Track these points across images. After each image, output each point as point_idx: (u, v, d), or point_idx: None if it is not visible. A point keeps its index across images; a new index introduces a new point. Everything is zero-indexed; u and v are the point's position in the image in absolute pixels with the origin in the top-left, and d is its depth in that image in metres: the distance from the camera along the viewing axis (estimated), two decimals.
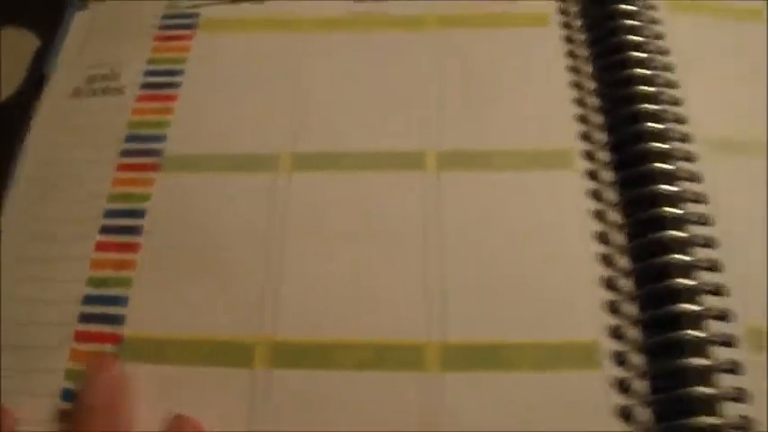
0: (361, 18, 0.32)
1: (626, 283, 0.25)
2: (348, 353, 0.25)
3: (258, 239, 0.27)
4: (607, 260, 0.26)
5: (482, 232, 0.26)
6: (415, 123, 0.29)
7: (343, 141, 0.29)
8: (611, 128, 0.28)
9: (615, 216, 0.26)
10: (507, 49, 0.30)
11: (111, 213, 0.28)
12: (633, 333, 0.24)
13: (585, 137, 0.28)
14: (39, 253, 0.27)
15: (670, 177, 0.26)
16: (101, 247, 0.27)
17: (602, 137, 0.28)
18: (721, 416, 0.23)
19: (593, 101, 0.29)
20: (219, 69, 0.30)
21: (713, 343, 0.24)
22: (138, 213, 0.28)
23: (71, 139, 0.30)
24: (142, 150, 0.29)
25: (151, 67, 0.31)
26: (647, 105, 0.27)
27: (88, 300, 0.26)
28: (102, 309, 0.26)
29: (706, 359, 0.24)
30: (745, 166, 0.27)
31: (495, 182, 0.27)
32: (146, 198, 0.28)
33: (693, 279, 0.25)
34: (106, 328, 0.26)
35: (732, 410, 0.23)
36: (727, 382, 0.23)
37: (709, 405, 0.23)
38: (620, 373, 0.24)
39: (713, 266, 0.25)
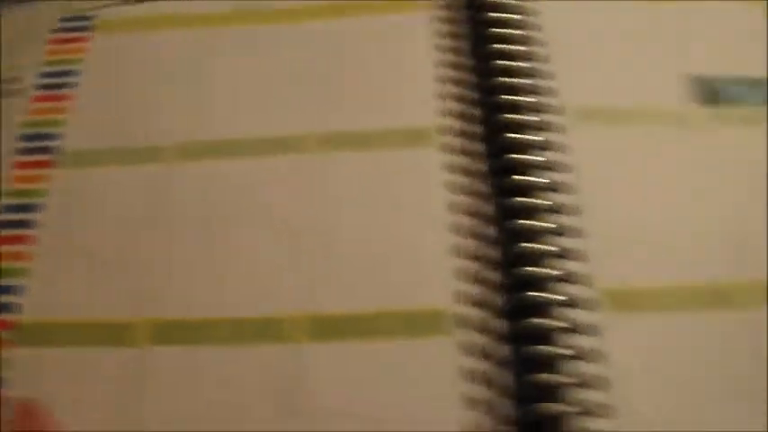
0: (248, 13, 0.33)
1: (484, 251, 0.26)
2: (219, 329, 0.26)
3: (148, 228, 0.28)
4: (465, 229, 0.26)
5: (354, 209, 0.27)
6: (297, 109, 0.30)
7: (232, 130, 0.30)
8: (476, 102, 0.29)
9: (477, 186, 0.27)
10: (382, 34, 0.31)
11: (8, 208, 0.29)
12: (489, 298, 0.25)
13: (452, 113, 0.29)
14: None
15: (528, 147, 0.27)
16: None
17: (468, 112, 0.29)
18: (566, 373, 0.24)
19: (463, 78, 0.29)
20: (115, 68, 0.32)
21: (567, 304, 0.25)
22: (34, 208, 0.29)
23: None
24: (38, 148, 0.30)
25: (48, 69, 0.32)
26: (506, 79, 0.28)
27: None
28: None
29: (559, 321, 0.24)
30: (610, 135, 0.28)
31: (369, 160, 0.28)
32: (42, 194, 0.29)
33: (552, 245, 0.26)
34: (2, 317, 0.27)
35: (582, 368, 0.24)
36: (580, 342, 0.24)
37: (557, 364, 0.24)
38: (474, 337, 0.25)
39: (570, 232, 0.26)
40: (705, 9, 0.32)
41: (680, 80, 0.30)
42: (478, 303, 0.25)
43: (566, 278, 0.25)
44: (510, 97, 0.28)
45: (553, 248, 0.26)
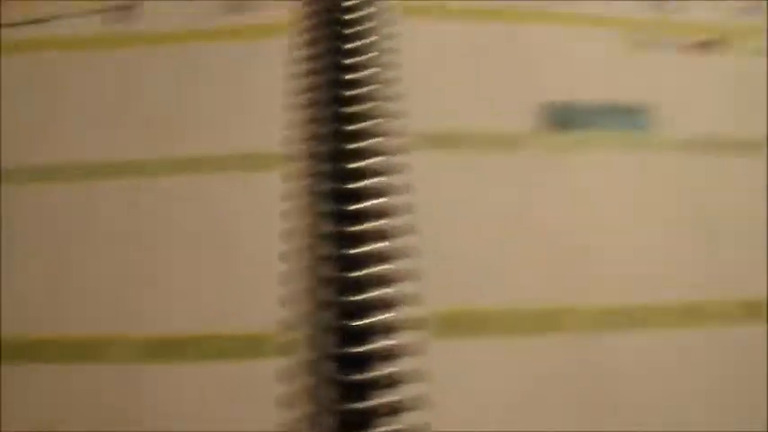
0: (114, 36, 0.33)
1: (317, 275, 0.26)
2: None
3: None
4: (299, 254, 0.26)
5: (189, 234, 0.27)
6: (144, 133, 0.30)
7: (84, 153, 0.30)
8: (320, 128, 0.29)
9: (313, 213, 0.27)
10: (236, 60, 0.31)
11: None
12: (319, 321, 0.25)
13: (297, 139, 0.29)
14: None
15: (368, 172, 0.28)
16: None
17: (313, 138, 0.29)
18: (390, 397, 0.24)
19: (312, 104, 0.30)
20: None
21: (398, 328, 0.25)
22: None
23: None
24: None
25: None
26: (351, 105, 0.29)
27: None
28: None
29: (388, 344, 0.25)
30: (454, 160, 0.29)
31: (208, 185, 0.28)
32: None
33: (386, 269, 0.26)
34: None
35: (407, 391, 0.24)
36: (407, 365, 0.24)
37: (384, 387, 0.24)
38: (301, 361, 0.25)
39: (403, 255, 0.26)
40: (560, 33, 0.33)
41: (531, 105, 0.31)
42: (308, 327, 0.25)
43: (397, 302, 0.25)
44: (352, 124, 0.28)
45: (387, 273, 0.26)
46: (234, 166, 0.29)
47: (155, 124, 0.30)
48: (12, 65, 0.32)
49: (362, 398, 0.24)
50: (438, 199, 0.28)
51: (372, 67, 0.30)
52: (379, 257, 0.26)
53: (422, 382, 0.24)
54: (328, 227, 0.27)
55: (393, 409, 0.24)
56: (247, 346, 0.25)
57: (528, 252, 0.27)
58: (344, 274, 0.26)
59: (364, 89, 0.29)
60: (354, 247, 0.26)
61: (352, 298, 0.25)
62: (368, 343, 0.25)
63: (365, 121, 0.29)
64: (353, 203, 0.27)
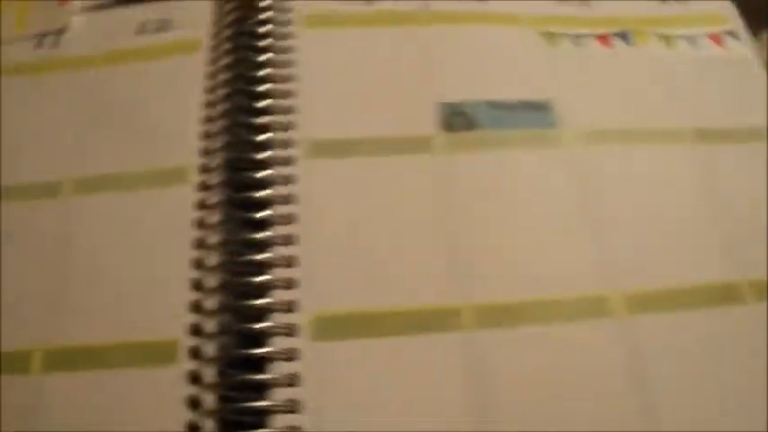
0: (43, 61, 0.34)
1: (212, 282, 0.27)
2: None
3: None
4: (199, 263, 0.27)
5: (106, 247, 0.28)
6: (53, 154, 0.31)
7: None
8: (223, 140, 0.30)
9: (218, 222, 0.28)
10: (155, 79, 0.32)
11: None
12: (210, 326, 0.26)
13: (205, 152, 0.30)
14: None
15: (263, 183, 0.28)
16: None
17: (216, 150, 0.30)
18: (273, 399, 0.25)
19: (217, 116, 0.31)
20: None
21: (277, 333, 0.26)
22: None
23: None
24: None
25: None
26: (249, 117, 0.30)
27: None
28: None
29: (271, 348, 0.25)
30: (348, 166, 0.29)
31: (124, 201, 0.29)
32: None
33: (276, 276, 0.27)
34: None
35: (284, 395, 0.25)
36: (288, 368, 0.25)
37: (264, 390, 0.25)
38: (200, 366, 0.26)
39: (288, 263, 0.27)
40: (470, 33, 0.33)
41: (435, 107, 0.31)
42: (204, 333, 0.26)
43: (284, 308, 0.26)
44: (254, 135, 0.29)
45: (277, 280, 0.27)
46: (148, 183, 0.30)
47: (67, 146, 0.31)
48: None
49: (247, 399, 0.25)
50: (333, 205, 0.28)
51: (277, 79, 0.31)
52: (275, 263, 0.27)
53: (305, 385, 0.25)
54: (227, 234, 0.28)
55: (276, 411, 0.25)
56: (158, 353, 0.26)
57: (421, 253, 0.28)
58: (236, 280, 0.27)
59: (267, 101, 0.30)
60: (252, 253, 0.27)
61: (244, 302, 0.26)
62: (256, 347, 0.26)
63: (265, 132, 0.29)
64: (253, 211, 0.28)
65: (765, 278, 0.28)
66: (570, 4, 0.35)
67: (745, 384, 0.26)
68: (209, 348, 0.26)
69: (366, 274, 0.27)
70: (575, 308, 0.27)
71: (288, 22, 0.32)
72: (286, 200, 0.28)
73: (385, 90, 0.31)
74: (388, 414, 0.25)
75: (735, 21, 0.35)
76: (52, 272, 0.28)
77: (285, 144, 0.29)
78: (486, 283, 0.27)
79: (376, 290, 0.27)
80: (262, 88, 0.31)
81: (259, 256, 0.27)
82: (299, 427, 0.24)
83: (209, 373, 0.25)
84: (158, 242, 0.28)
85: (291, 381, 0.25)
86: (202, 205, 0.28)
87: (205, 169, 0.29)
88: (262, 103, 0.30)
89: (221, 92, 0.31)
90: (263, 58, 0.31)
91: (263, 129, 0.30)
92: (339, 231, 0.28)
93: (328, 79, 0.31)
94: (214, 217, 0.28)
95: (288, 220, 0.28)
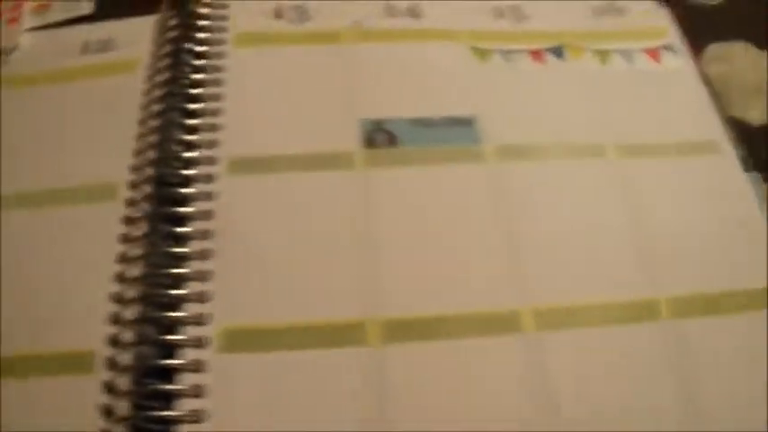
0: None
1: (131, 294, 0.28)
2: None
3: None
4: (121, 276, 0.28)
5: (34, 262, 0.29)
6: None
7: None
8: (151, 157, 0.31)
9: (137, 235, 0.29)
10: (97, 97, 0.33)
11: None
12: (127, 337, 0.27)
13: (133, 168, 0.31)
14: None
15: (184, 199, 0.29)
16: None
17: (144, 166, 0.31)
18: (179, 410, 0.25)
19: (149, 133, 0.32)
20: None
21: (187, 345, 0.27)
22: None
23: None
24: None
25: None
26: (177, 134, 0.31)
27: None
28: None
29: (181, 360, 0.26)
30: (268, 182, 0.30)
31: (54, 217, 0.30)
32: None
33: (189, 289, 0.28)
34: None
35: (190, 405, 0.25)
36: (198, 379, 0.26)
37: (171, 400, 0.26)
38: (114, 375, 0.26)
39: (203, 277, 0.28)
40: (401, 50, 0.34)
41: (353, 125, 0.32)
42: (120, 344, 0.27)
43: (196, 321, 0.27)
44: (180, 152, 0.30)
45: (191, 294, 0.27)
46: (80, 198, 0.31)
47: (12, 161, 0.32)
48: None
49: (158, 408, 0.26)
50: (250, 221, 0.29)
51: (208, 97, 0.32)
52: (190, 277, 0.28)
53: (209, 396, 0.26)
54: (149, 248, 0.29)
55: (181, 420, 0.25)
56: (76, 363, 0.27)
57: (332, 269, 0.28)
58: (153, 292, 0.27)
59: (198, 119, 0.31)
60: (172, 267, 0.28)
61: (158, 314, 0.27)
62: (170, 358, 0.27)
63: (193, 149, 0.31)
64: (175, 226, 0.29)
65: (683, 294, 0.29)
66: (507, 20, 0.35)
67: (657, 401, 0.27)
68: (125, 358, 0.27)
69: (277, 289, 0.28)
70: (486, 323, 0.27)
71: (224, 41, 0.34)
72: (206, 216, 0.29)
73: (310, 108, 0.32)
74: (288, 425, 0.25)
75: (673, 35, 0.36)
76: None
77: (210, 161, 0.30)
78: (394, 298, 0.28)
79: (285, 304, 0.27)
80: (194, 106, 0.32)
81: (174, 270, 0.28)
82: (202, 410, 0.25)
83: (123, 383, 0.26)
84: (85, 256, 0.29)
85: (197, 392, 0.26)
86: (129, 220, 0.30)
87: (134, 185, 0.30)
88: (193, 121, 0.31)
89: (155, 108, 0.32)
90: (198, 76, 0.33)
91: (193, 145, 0.31)
92: (254, 247, 0.29)
93: (255, 97, 0.32)
94: (138, 231, 0.29)
95: (206, 235, 0.29)
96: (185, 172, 0.30)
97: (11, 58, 0.35)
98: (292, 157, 0.31)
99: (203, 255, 0.28)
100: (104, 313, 0.28)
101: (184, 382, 0.26)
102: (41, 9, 0.37)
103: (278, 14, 0.36)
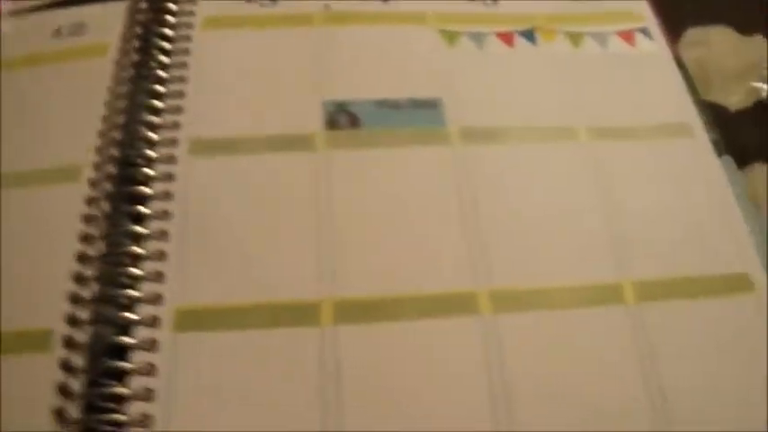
0: None
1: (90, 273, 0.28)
2: None
3: None
4: (82, 256, 0.28)
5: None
6: None
7: None
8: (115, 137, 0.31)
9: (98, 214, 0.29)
10: (67, 81, 0.33)
11: None
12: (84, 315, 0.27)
13: (98, 149, 0.31)
14: None
15: (145, 179, 0.29)
16: None
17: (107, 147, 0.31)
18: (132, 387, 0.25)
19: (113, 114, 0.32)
20: None
21: (141, 324, 0.27)
22: None
23: None
24: None
25: None
26: (143, 116, 0.31)
27: None
28: None
29: (133, 339, 0.26)
30: (231, 164, 0.30)
31: (24, 198, 0.30)
32: None
33: (147, 269, 0.28)
34: None
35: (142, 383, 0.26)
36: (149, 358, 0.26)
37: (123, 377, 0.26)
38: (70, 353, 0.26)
39: (160, 257, 0.28)
40: (370, 33, 0.34)
41: (316, 107, 0.31)
42: (77, 322, 0.27)
43: (151, 300, 0.27)
44: (144, 133, 0.31)
45: (147, 273, 0.28)
46: (50, 179, 0.31)
47: None
48: None
49: (111, 387, 0.26)
50: (210, 201, 0.29)
51: (174, 79, 0.32)
52: (148, 256, 0.28)
53: (162, 374, 0.26)
54: (109, 227, 0.29)
55: (132, 399, 0.25)
56: (33, 341, 0.27)
57: (290, 249, 0.28)
58: (110, 270, 0.27)
59: (163, 101, 0.31)
60: (130, 246, 0.28)
61: (114, 293, 0.27)
62: (126, 336, 0.27)
63: (156, 130, 0.31)
64: (135, 206, 0.29)
65: (650, 278, 0.28)
66: (478, 3, 0.35)
67: (621, 387, 0.26)
68: (81, 337, 0.27)
69: (234, 270, 0.28)
70: (442, 305, 0.27)
71: (192, 25, 0.34)
72: (166, 196, 0.29)
73: (275, 90, 0.32)
74: (240, 405, 0.25)
75: (649, 19, 0.35)
76: None
77: (172, 142, 0.30)
78: (350, 279, 0.27)
79: (241, 285, 0.27)
80: (160, 88, 0.32)
81: (131, 249, 0.28)
82: (151, 415, 0.25)
83: (79, 361, 0.26)
84: (48, 237, 0.29)
85: (148, 370, 0.26)
86: (91, 200, 0.30)
87: (97, 166, 0.30)
88: (159, 103, 0.31)
89: (122, 89, 0.32)
90: (165, 59, 0.33)
91: (157, 127, 0.31)
92: (213, 227, 0.29)
93: (219, 80, 0.32)
94: (100, 211, 0.29)
95: (165, 215, 0.29)
96: (148, 152, 0.30)
97: None
98: (253, 138, 0.31)
99: (162, 235, 0.28)
100: (65, 292, 0.28)
101: (137, 360, 0.26)
102: None
103: None
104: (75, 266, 0.28)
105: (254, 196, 0.29)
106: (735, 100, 0.36)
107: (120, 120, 0.31)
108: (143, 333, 0.27)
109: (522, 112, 0.32)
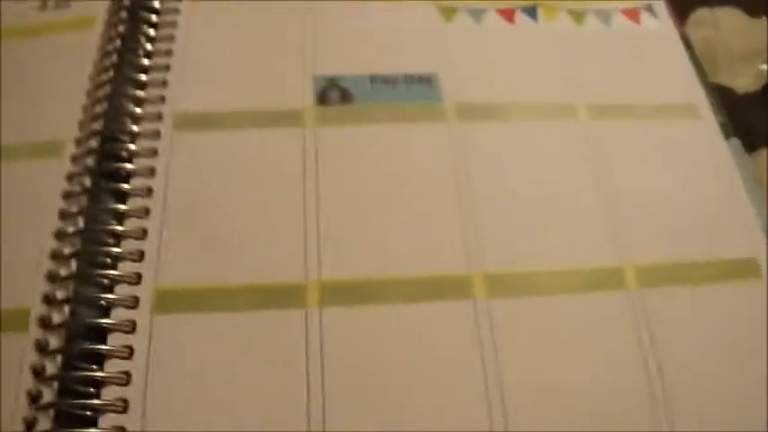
0: None
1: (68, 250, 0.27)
2: None
3: None
4: (60, 233, 0.27)
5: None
6: None
7: None
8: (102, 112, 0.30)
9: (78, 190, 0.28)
10: (52, 55, 0.32)
11: None
12: (61, 294, 0.26)
13: (81, 124, 0.30)
14: None
15: (129, 155, 0.28)
16: None
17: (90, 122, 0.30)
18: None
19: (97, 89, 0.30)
20: None
21: (119, 305, 0.25)
22: None
23: None
24: None
25: None
26: (128, 90, 0.30)
27: None
28: None
29: (113, 319, 0.25)
30: (217, 139, 0.29)
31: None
32: None
33: (127, 248, 0.26)
34: None
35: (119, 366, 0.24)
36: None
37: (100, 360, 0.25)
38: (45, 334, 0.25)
39: (140, 236, 0.27)
40: (364, 8, 0.33)
41: (307, 81, 0.30)
42: (55, 302, 0.26)
43: (130, 280, 0.26)
44: (128, 108, 0.29)
45: (127, 252, 0.26)
46: (31, 153, 0.30)
47: None
48: None
49: (88, 369, 0.25)
50: (195, 178, 0.28)
51: (161, 53, 0.31)
52: (127, 235, 0.27)
53: (140, 356, 0.24)
54: (89, 204, 0.27)
55: (108, 382, 0.24)
56: (13, 320, 0.26)
57: (277, 229, 0.27)
58: (89, 248, 0.26)
59: (148, 74, 0.30)
60: (110, 224, 0.27)
61: (93, 271, 0.26)
62: (104, 317, 0.25)
63: (134, 105, 0.29)
64: (117, 183, 0.28)
65: (653, 263, 0.27)
66: None
67: (620, 374, 0.25)
68: (58, 317, 0.26)
69: (216, 249, 0.26)
70: (435, 287, 0.26)
71: None
72: (149, 172, 0.28)
73: (265, 64, 0.31)
74: (221, 390, 0.24)
75: None
76: None
77: (157, 117, 0.29)
78: (337, 260, 0.26)
79: (224, 264, 0.26)
80: (146, 61, 0.31)
81: (111, 227, 0.27)
82: (127, 400, 0.24)
83: (55, 342, 0.25)
84: (28, 213, 0.28)
85: (126, 353, 0.24)
86: (72, 176, 0.28)
87: (79, 141, 0.29)
88: (144, 76, 0.30)
89: (107, 62, 0.31)
90: (152, 31, 0.32)
91: (141, 101, 0.30)
92: (196, 205, 0.27)
93: (207, 54, 0.31)
94: (81, 187, 0.28)
95: (147, 192, 0.28)
96: (132, 126, 0.29)
97: None
98: (240, 113, 0.29)
99: (144, 212, 0.27)
100: (42, 270, 0.27)
101: (115, 342, 0.25)
102: None
103: None
104: (54, 244, 0.27)
105: (240, 173, 0.28)
106: (743, 83, 0.35)
107: (104, 93, 0.30)
108: (121, 314, 0.25)
109: (521, 89, 0.31)
